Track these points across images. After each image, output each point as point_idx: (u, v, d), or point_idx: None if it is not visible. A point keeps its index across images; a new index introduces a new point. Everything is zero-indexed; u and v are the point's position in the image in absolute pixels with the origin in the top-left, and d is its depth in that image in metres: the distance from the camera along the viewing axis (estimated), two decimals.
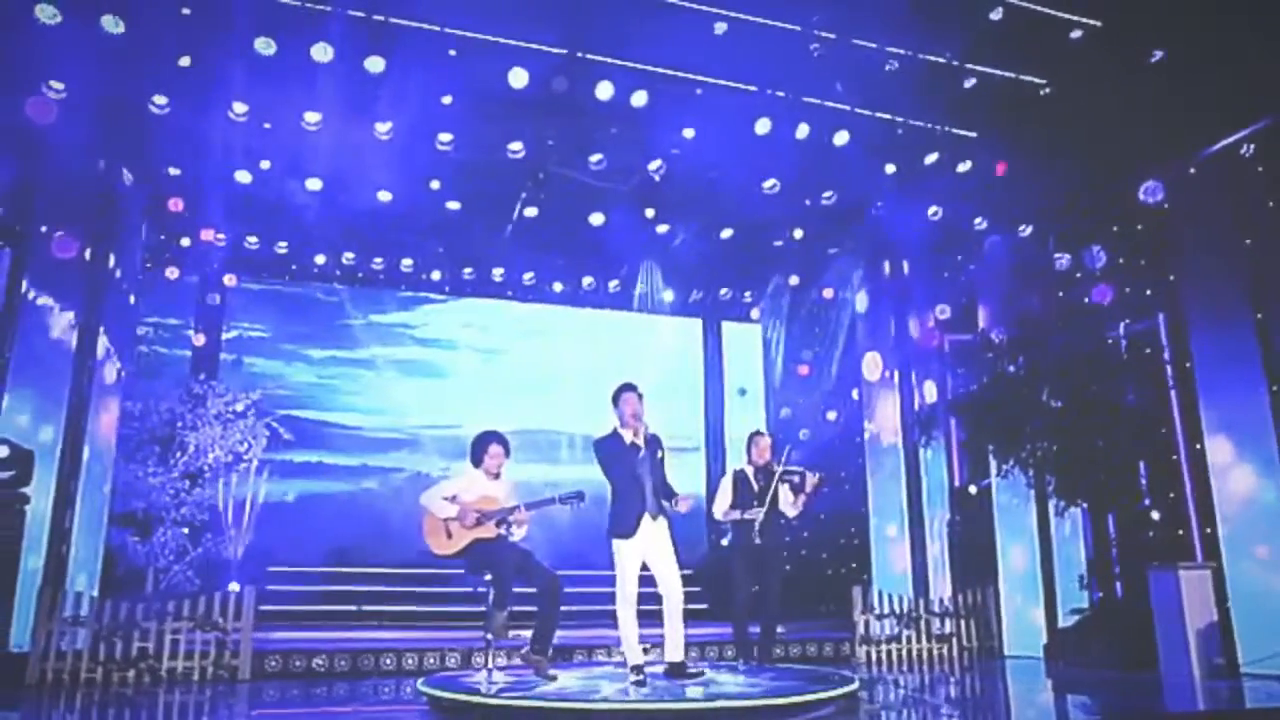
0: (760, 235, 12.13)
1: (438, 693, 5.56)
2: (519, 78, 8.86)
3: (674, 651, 6.11)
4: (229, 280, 11.65)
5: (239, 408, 9.89)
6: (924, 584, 10.23)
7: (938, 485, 10.39)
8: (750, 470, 7.23)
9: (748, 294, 13.97)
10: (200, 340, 11.39)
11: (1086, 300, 9.66)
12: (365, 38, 8.32)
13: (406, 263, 12.66)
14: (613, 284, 13.55)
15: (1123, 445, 8.75)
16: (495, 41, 8.77)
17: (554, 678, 6.02)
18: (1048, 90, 9.73)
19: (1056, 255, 10.13)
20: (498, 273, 13.10)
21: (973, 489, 10.04)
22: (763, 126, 9.65)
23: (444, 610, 10.31)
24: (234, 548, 9.85)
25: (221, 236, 11.50)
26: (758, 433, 7.43)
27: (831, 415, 12.52)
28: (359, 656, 7.91)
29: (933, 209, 10.89)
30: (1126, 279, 9.56)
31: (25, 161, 8.32)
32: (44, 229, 8.17)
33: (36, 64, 7.87)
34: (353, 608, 10.46)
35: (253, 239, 11.74)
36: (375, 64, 8.49)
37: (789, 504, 7.09)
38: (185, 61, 8.08)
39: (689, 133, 9.63)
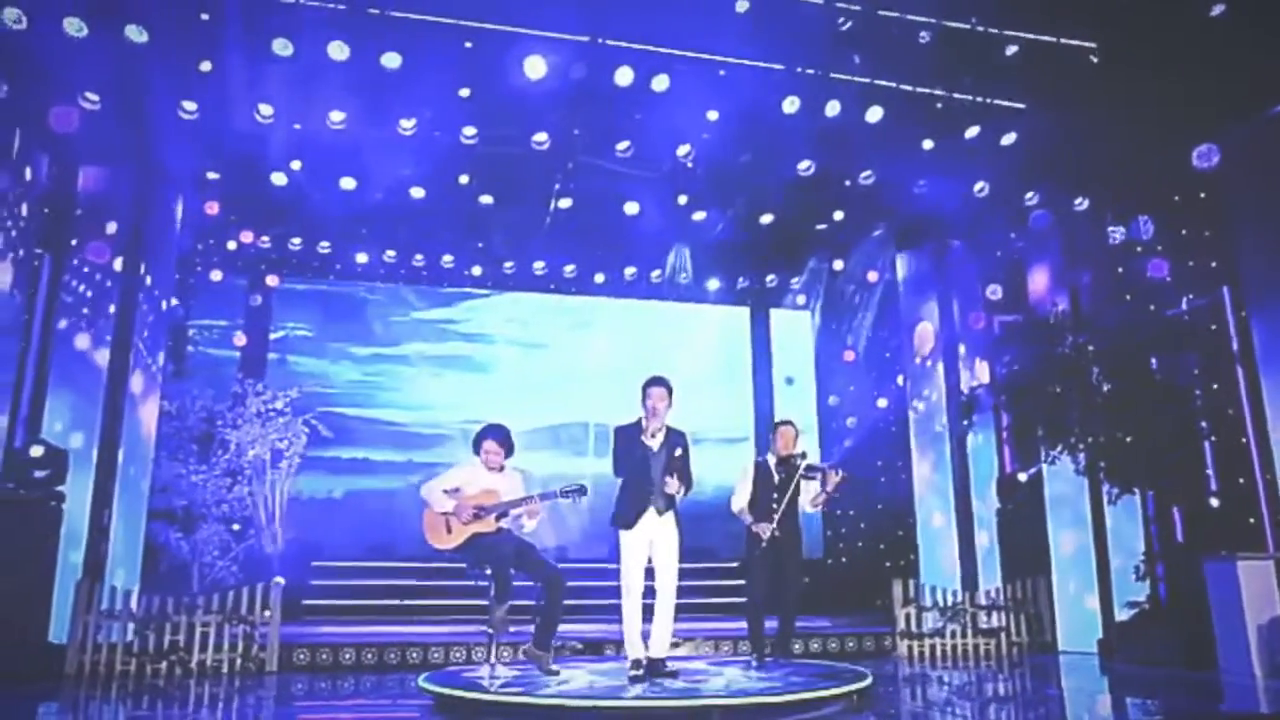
0: (801, 219, 11.80)
1: (435, 688, 5.51)
2: (536, 67, 8.77)
3: (658, 647, 5.98)
4: (271, 281, 11.89)
5: (279, 405, 10.06)
6: (973, 576, 9.81)
7: (986, 473, 9.94)
8: (773, 461, 6.97)
9: (795, 280, 13.62)
10: (240, 340, 11.63)
11: (1144, 274, 9.13)
12: (379, 34, 8.32)
13: (447, 259, 12.71)
14: (655, 274, 13.36)
15: (1185, 428, 8.23)
16: (510, 31, 8.68)
17: (556, 673, 5.94)
18: (1096, 53, 9.20)
19: (1111, 228, 9.60)
20: (538, 266, 13.06)
21: (1022, 476, 9.57)
22: (791, 105, 9.35)
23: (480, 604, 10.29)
24: (276, 543, 10.03)
25: (266, 239, 11.77)
26: (783, 423, 7.15)
27: (883, 402, 12.12)
28: (385, 650, 7.96)
29: (979, 184, 10.44)
30: (1186, 251, 8.99)
31: (62, 169, 8.60)
32: (79, 237, 8.41)
33: (68, 75, 8.10)
34: (395, 601, 10.56)
35: (296, 240, 11.95)
36: (391, 60, 8.48)
37: (809, 501, 6.84)
38: (206, 66, 8.18)
39: (713, 115, 9.38)
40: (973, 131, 9.75)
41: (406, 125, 9.43)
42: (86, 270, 8.39)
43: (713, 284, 13.48)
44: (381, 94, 8.93)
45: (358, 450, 12.17)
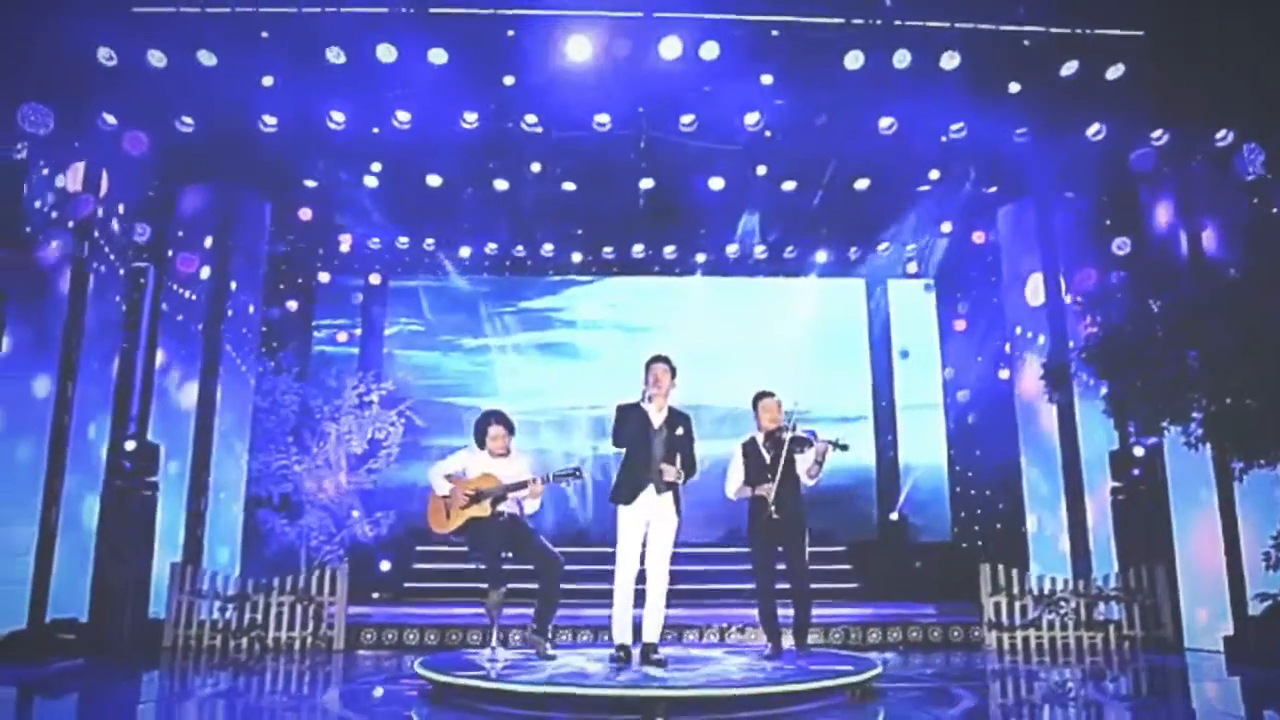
0: (899, 182, 11.03)
1: (426, 673, 5.57)
2: (580, 48, 8.69)
3: (648, 632, 5.79)
4: (374, 279, 12.51)
5: (374, 398, 10.58)
6: (1085, 562, 8.84)
7: (1099, 449, 8.90)
8: (760, 438, 6.52)
9: (910, 247, 12.76)
10: (343, 338, 12.32)
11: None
12: (422, 33, 8.51)
13: (547, 247, 12.86)
14: (759, 249, 12.93)
15: None
16: (551, 15, 8.63)
17: (553, 657, 5.88)
18: None
19: (1244, 160, 8.35)
20: (638, 249, 12.95)
21: (1138, 450, 8.50)
22: (854, 60, 8.75)
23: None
24: (381, 528, 10.55)
25: (376, 241, 12.40)
26: (763, 394, 6.63)
27: (1004, 374, 11.13)
28: (447, 631, 8.21)
29: (1094, 127, 9.37)
30: None
31: (164, 185, 9.42)
32: (177, 249, 9.19)
33: (160, 101, 8.85)
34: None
35: (403, 240, 12.50)
36: (438, 56, 8.67)
37: (804, 472, 6.32)
38: (268, 81, 8.67)
39: (767, 79, 8.92)
40: (1070, 68, 8.76)
41: (470, 119, 9.62)
42: (183, 279, 9.16)
43: (820, 256, 12.88)
44: (438, 91, 9.12)
45: (467, 438, 12.56)
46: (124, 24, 8.36)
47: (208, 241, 9.37)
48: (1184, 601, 8.11)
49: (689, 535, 9.61)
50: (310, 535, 10.13)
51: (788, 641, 6.31)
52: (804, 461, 6.31)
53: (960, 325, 11.72)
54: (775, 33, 8.80)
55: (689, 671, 5.45)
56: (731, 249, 13.06)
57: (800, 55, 8.89)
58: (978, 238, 10.90)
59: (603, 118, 9.79)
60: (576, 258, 13.10)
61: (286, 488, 9.92)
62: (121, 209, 8.80)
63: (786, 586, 6.36)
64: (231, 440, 9.32)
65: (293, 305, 12.03)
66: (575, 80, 8.97)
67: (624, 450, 5.98)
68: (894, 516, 12.25)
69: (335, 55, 8.60)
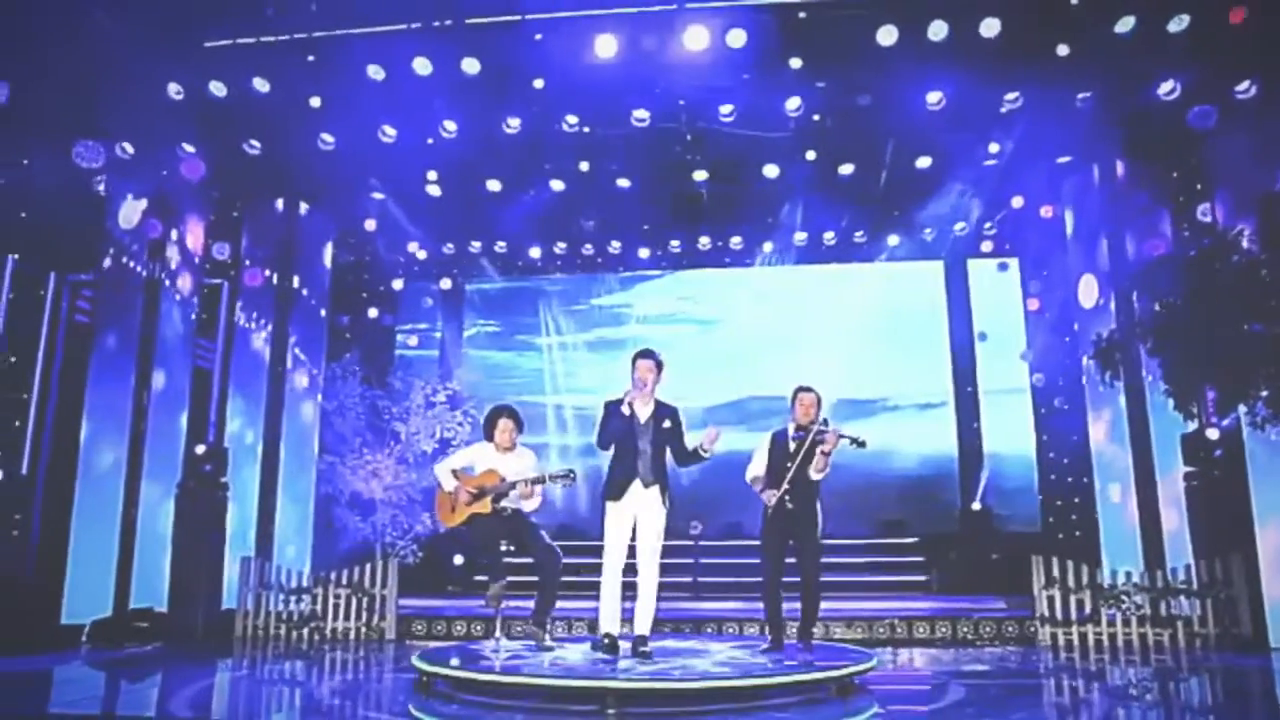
0: (962, 159, 10.55)
1: (422, 665, 5.77)
2: (607, 46, 8.76)
3: (639, 624, 5.81)
4: (445, 284, 12.96)
5: (440, 398, 10.99)
6: (1158, 552, 8.24)
7: (1170, 432, 8.26)
8: (791, 429, 6.38)
9: (988, 225, 12.16)
10: (413, 341, 12.82)
11: None
12: (453, 44, 8.79)
13: (615, 245, 13.00)
14: (828, 236, 12.65)
15: None
16: (572, 17, 8.74)
17: (552, 648, 6.01)
18: None
19: None
20: (704, 241, 12.91)
21: (1212, 433, 7.85)
22: (888, 36, 8.46)
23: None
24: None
25: (450, 246, 12.87)
26: (803, 389, 6.48)
27: (1086, 362, 10.46)
28: (491, 623, 8.44)
29: (1167, 85, 8.72)
30: None
31: (234, 205, 10.11)
32: (247, 264, 9.85)
33: (221, 126, 9.50)
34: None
35: (475, 244, 12.92)
36: (471, 65, 8.93)
37: (811, 466, 6.14)
38: (316, 102, 9.16)
39: (797, 63, 8.74)
40: (1125, 24, 8.17)
41: (513, 123, 9.86)
42: (253, 292, 9.80)
43: (892, 240, 12.46)
44: (477, 99, 9.41)
45: (541, 436, 12.91)
46: (191, 59, 9.04)
47: (275, 255, 9.97)
48: (1265, 596, 7.44)
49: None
50: (384, 531, 10.62)
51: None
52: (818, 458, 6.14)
53: (1034, 304, 11.09)
54: (803, 15, 8.62)
55: (664, 664, 5.46)
56: (800, 237, 12.82)
57: (831, 36, 8.67)
58: (1045, 212, 10.29)
59: (641, 113, 9.84)
60: (644, 253, 13.16)
61: (357, 487, 10.43)
62: (194, 230, 9.52)
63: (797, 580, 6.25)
64: (301, 442, 9.92)
65: (373, 312, 12.64)
66: (607, 77, 9.06)
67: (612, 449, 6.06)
68: (975, 507, 11.71)
69: (375, 72, 9.01)
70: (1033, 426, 12.04)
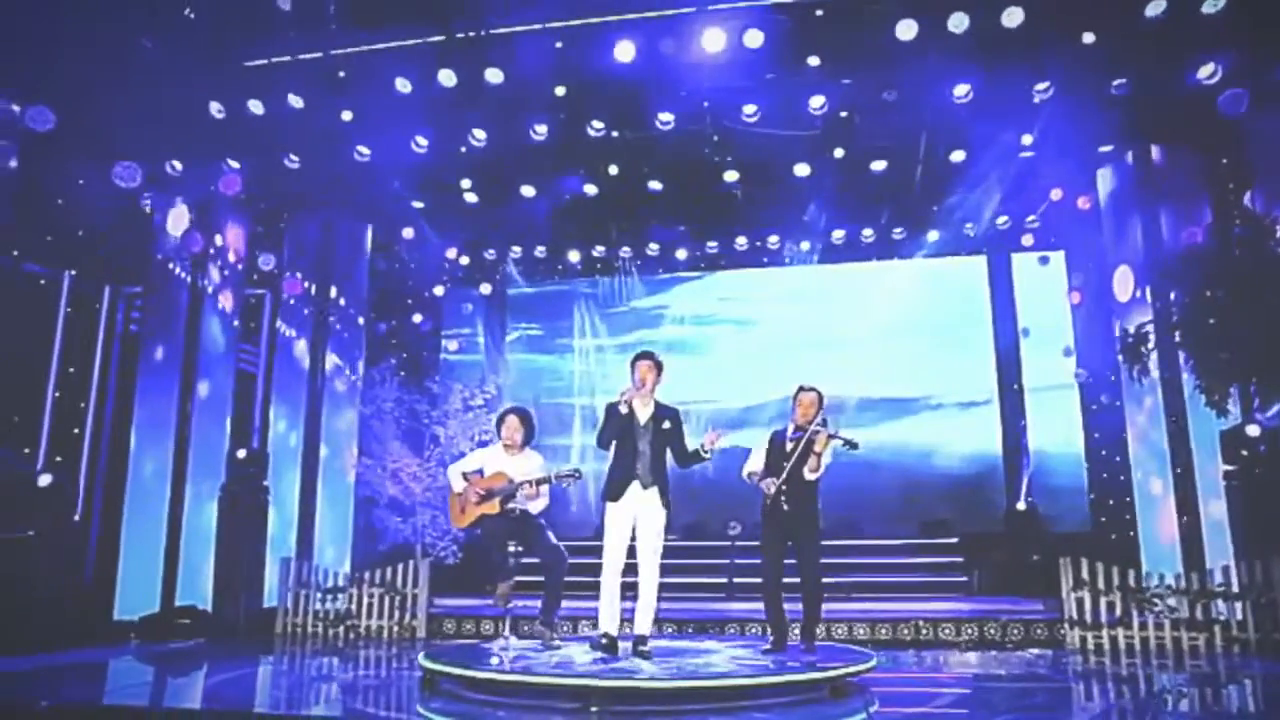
0: (998, 151, 10.33)
1: (426, 664, 5.91)
2: (625, 51, 8.84)
3: (640, 624, 5.86)
4: (485, 289, 13.20)
5: (478, 402, 11.20)
6: (1198, 554, 7.95)
7: (1210, 428, 7.96)
8: (790, 429, 6.35)
9: (1030, 218, 11.86)
10: (453, 346, 13.07)
11: None
12: (475, 55, 8.97)
13: (652, 247, 13.06)
14: (866, 233, 12.50)
15: None
16: (594, 23, 8.84)
17: (558, 648, 6.10)
18: None
19: None
20: (740, 241, 12.88)
21: (1253, 429, 7.54)
22: (908, 30, 8.36)
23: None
24: None
25: (492, 252, 13.11)
26: (805, 389, 6.44)
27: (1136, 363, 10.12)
28: (519, 622, 8.58)
29: (1206, 68, 8.44)
30: None
31: (275, 217, 10.49)
32: (287, 274, 10.20)
33: (261, 142, 9.87)
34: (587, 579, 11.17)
35: (516, 249, 13.14)
36: (495, 75, 9.12)
37: (806, 469, 6.09)
38: (348, 115, 9.45)
39: (814, 60, 8.70)
40: (1156, 7, 7.93)
41: (540, 130, 10.01)
42: (293, 301, 10.16)
43: (932, 236, 12.26)
44: (504, 108, 9.59)
45: (583, 437, 13.05)
46: (229, 79, 9.43)
47: (315, 265, 10.31)
48: None
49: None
50: (424, 533, 10.87)
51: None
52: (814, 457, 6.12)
53: (1075, 299, 10.79)
54: (820, 12, 8.57)
55: (662, 664, 5.51)
56: (838, 235, 12.70)
57: (851, 32, 8.61)
58: (1083, 203, 10.01)
59: (665, 116, 9.90)
60: (681, 254, 13.19)
61: (395, 491, 10.69)
62: (236, 242, 9.92)
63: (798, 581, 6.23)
64: (341, 446, 10.24)
65: (417, 318, 12.94)
66: (628, 82, 9.14)
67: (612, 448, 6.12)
68: (1021, 506, 11.42)
69: (403, 85, 9.26)
70: (1080, 424, 11.71)
